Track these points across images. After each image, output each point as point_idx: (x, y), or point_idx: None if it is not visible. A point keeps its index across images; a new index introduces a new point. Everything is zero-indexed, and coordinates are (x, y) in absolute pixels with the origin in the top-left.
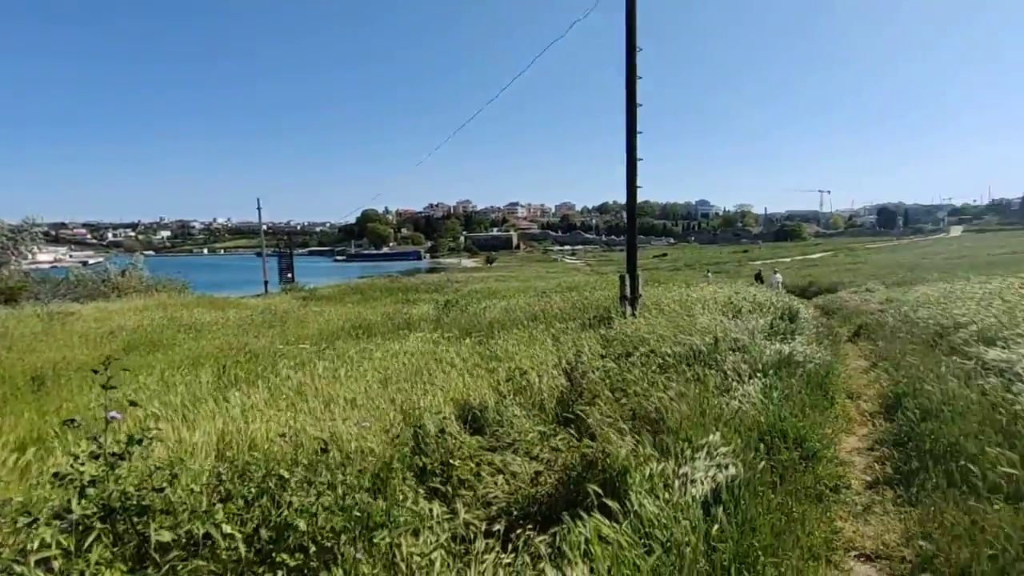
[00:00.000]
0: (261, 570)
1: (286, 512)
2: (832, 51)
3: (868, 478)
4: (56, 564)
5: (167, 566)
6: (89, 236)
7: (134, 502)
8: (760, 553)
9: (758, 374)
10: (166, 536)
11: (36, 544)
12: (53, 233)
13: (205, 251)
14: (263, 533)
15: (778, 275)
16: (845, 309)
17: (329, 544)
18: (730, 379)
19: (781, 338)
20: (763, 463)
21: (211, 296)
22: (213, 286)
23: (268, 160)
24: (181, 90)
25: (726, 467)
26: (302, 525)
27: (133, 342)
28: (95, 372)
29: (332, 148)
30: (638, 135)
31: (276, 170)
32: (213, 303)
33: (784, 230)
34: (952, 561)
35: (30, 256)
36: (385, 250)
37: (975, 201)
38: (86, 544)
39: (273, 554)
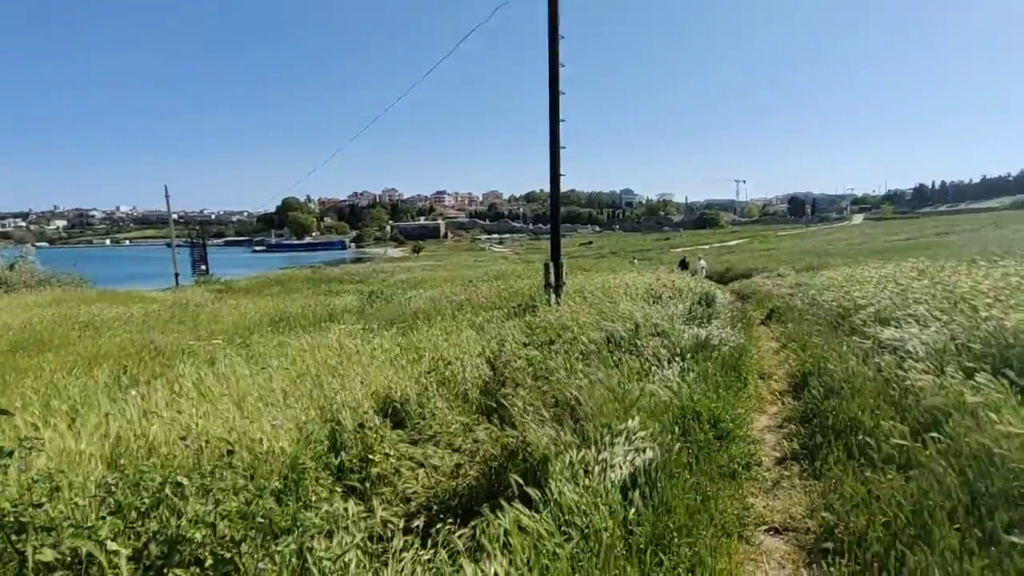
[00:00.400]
0: None
1: (181, 523)
2: (752, 52)
3: (777, 454)
4: None
5: None
6: None
7: (11, 519)
8: (675, 534)
9: (677, 358)
10: (48, 555)
11: None
12: None
13: (107, 242)
14: (152, 548)
15: (702, 261)
16: (759, 293)
17: (229, 555)
18: (650, 364)
19: (699, 323)
20: (679, 445)
21: (113, 290)
22: (116, 279)
23: (178, 145)
24: (72, 61)
25: (644, 451)
26: (198, 536)
27: (19, 342)
28: None
29: (248, 133)
30: (561, 123)
31: (187, 156)
32: (115, 298)
33: (703, 218)
34: (851, 529)
35: None
36: (308, 240)
37: (874, 191)
38: None
39: (165, 570)
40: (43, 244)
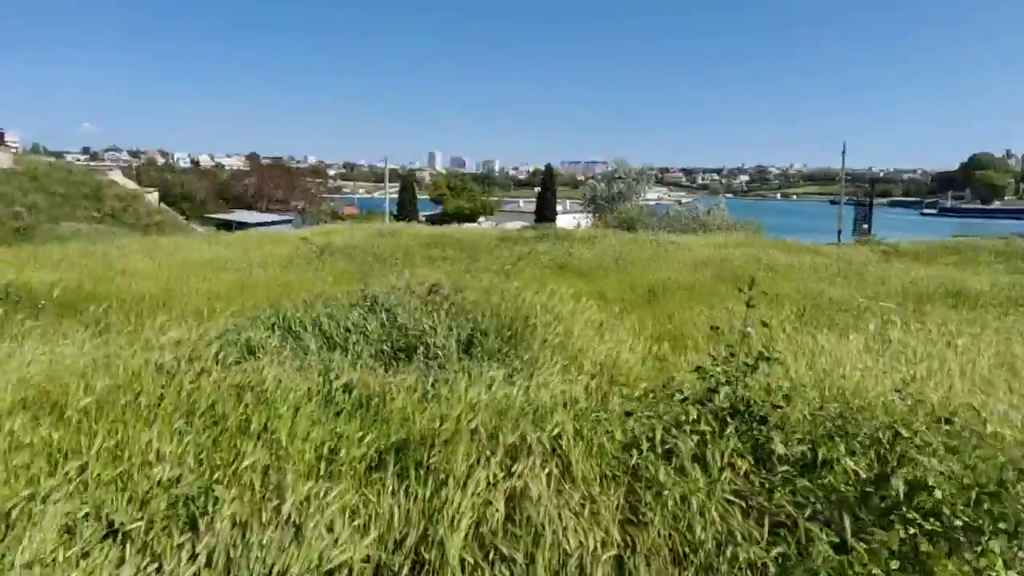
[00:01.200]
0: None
1: (918, 473)
2: None
3: None
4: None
5: (779, 475)
6: (684, 179)
7: (755, 410)
8: None
9: None
10: (780, 448)
11: (690, 417)
12: (660, 176)
13: (778, 196)
14: (893, 483)
15: None
16: None
17: (960, 522)
18: None
19: None
20: None
21: (783, 240)
22: (783, 230)
23: (857, 98)
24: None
25: None
26: (938, 493)
27: (720, 274)
28: (740, 290)
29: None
30: None
31: (863, 111)
32: (787, 247)
33: None
34: None
35: (642, 194)
36: (997, 204)
37: None
38: (726, 432)
39: (903, 508)
40: (730, 195)
